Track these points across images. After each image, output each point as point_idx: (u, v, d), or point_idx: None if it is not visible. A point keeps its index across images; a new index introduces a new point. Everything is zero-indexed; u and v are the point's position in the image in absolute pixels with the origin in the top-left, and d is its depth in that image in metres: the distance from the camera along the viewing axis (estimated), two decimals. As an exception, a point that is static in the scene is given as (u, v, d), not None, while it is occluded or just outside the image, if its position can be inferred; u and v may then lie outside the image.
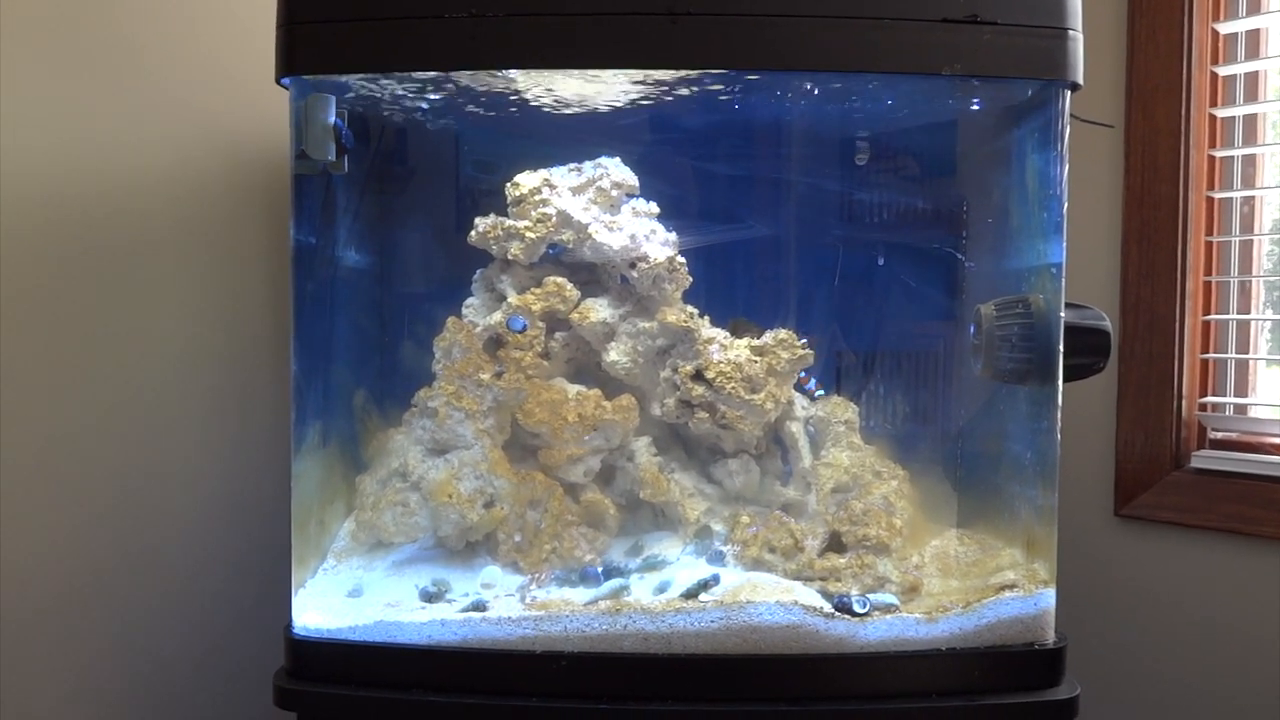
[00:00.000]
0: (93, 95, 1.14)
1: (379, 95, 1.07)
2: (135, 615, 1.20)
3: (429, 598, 1.00)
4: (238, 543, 1.27)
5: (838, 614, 0.96)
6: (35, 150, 1.10)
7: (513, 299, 1.14)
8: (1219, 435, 1.34)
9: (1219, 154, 1.33)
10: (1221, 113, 1.33)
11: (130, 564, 1.19)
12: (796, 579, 1.03)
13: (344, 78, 1.00)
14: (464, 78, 1.03)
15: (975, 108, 1.10)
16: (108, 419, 1.17)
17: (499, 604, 0.99)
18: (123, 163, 1.17)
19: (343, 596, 1.03)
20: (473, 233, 1.15)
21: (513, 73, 1.02)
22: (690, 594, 0.98)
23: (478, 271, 1.20)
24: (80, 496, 1.15)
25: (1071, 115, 0.99)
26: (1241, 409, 1.33)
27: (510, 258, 1.15)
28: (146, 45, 1.18)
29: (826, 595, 0.99)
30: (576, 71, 1.01)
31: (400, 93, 1.08)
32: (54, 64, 1.11)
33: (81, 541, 1.15)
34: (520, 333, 1.10)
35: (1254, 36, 1.32)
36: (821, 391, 1.18)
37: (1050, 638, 0.98)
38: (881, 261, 1.18)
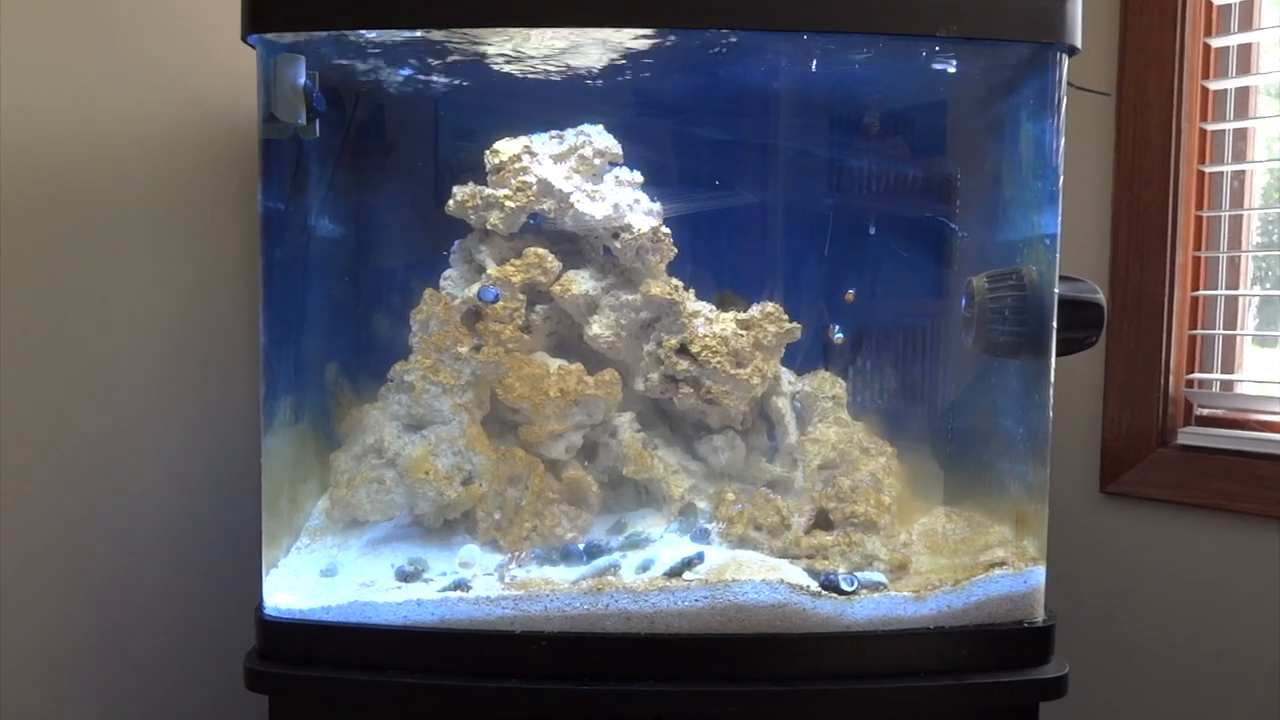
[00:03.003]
0: (55, 57, 1.09)
1: (351, 57, 1.03)
2: (102, 591, 1.16)
3: (405, 577, 0.98)
4: (210, 520, 1.24)
5: (825, 592, 0.94)
6: (-9, 112, 1.05)
7: (492, 270, 1.11)
8: (1206, 412, 1.33)
9: (1210, 127, 1.31)
10: (1214, 85, 1.31)
11: (97, 538, 1.15)
12: (783, 557, 1.01)
13: (314, 36, 0.95)
14: (439, 39, 0.99)
15: (969, 73, 1.07)
16: (73, 390, 1.13)
17: (478, 583, 0.96)
18: (89, 126, 1.12)
19: (316, 576, 1.00)
20: (451, 202, 1.12)
21: (487, 33, 0.98)
22: (674, 572, 0.95)
23: (456, 242, 1.16)
24: (46, 470, 1.11)
25: (1068, 83, 0.96)
26: (1228, 385, 1.32)
27: (489, 228, 1.11)
28: (111, 4, 1.13)
29: (813, 573, 0.97)
30: (551, 31, 0.97)
31: (373, 54, 1.03)
32: (13, 25, 1.06)
33: (44, 517, 1.11)
34: (492, 303, 1.07)
35: (1248, 7, 1.29)
36: (841, 334, 1.15)
37: (1040, 615, 0.97)
38: (872, 232, 1.15)
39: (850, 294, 1.15)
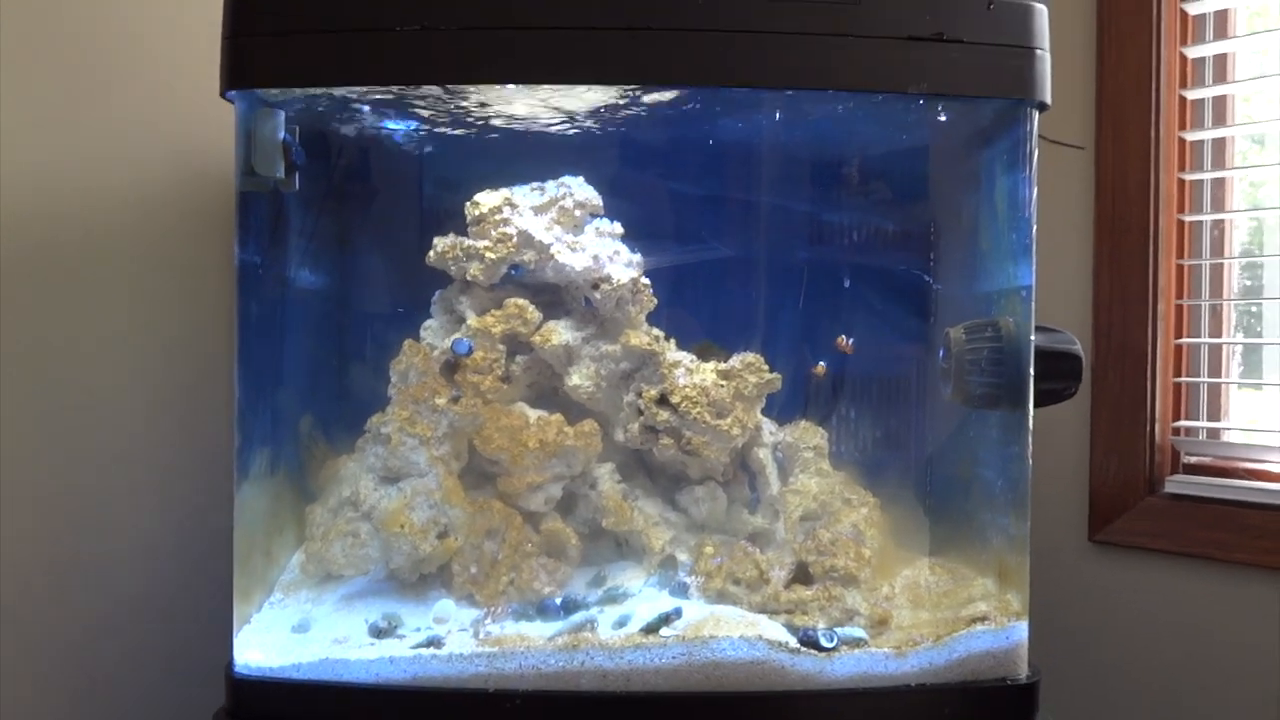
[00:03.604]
0: (36, 113, 1.10)
1: (330, 110, 1.04)
2: (74, 647, 1.14)
3: (378, 633, 0.96)
4: (185, 572, 1.22)
5: (803, 649, 0.92)
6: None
7: (472, 321, 1.11)
8: (1193, 459, 1.32)
9: (1189, 177, 1.32)
10: (1190, 136, 1.32)
11: (70, 590, 1.14)
12: (762, 612, 1.00)
13: (292, 92, 0.96)
14: (418, 94, 1.00)
15: (943, 128, 1.09)
16: (53, 438, 1.12)
17: (452, 640, 0.95)
18: (74, 177, 1.13)
19: (288, 632, 0.98)
20: (431, 253, 1.12)
21: (468, 88, 0.99)
22: (651, 628, 0.94)
23: (436, 293, 1.17)
24: (21, 516, 1.09)
25: (1040, 136, 0.97)
26: (1215, 433, 1.31)
27: (470, 278, 1.12)
28: (96, 61, 1.15)
29: (792, 629, 0.96)
30: (529, 87, 0.98)
31: (353, 108, 1.04)
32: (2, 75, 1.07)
33: (21, 565, 1.10)
34: (466, 355, 1.07)
35: (1220, 61, 1.31)
36: (851, 340, 1.14)
37: (1023, 672, 0.95)
38: (848, 284, 1.16)
39: (847, 343, 1.14)
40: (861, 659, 0.93)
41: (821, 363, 1.15)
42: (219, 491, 1.21)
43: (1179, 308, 1.33)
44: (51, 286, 1.12)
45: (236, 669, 0.94)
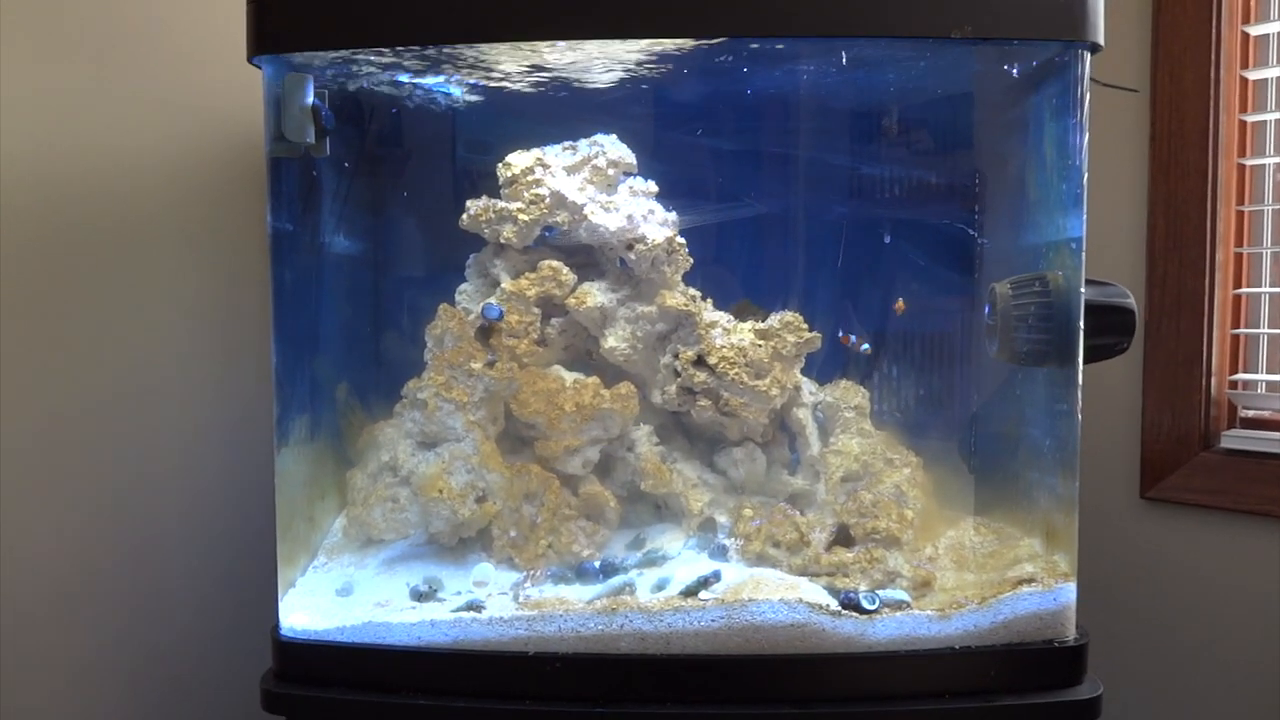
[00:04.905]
0: (72, 86, 1.11)
1: (360, 74, 1.03)
2: (130, 613, 1.17)
3: (420, 596, 0.97)
4: (235, 539, 1.25)
5: (845, 612, 0.91)
6: (16, 146, 1.06)
7: (506, 284, 1.10)
8: (1251, 414, 1.27)
9: (1250, 119, 1.26)
10: (1254, 75, 1.25)
11: (125, 560, 1.17)
12: (802, 575, 0.98)
13: (320, 56, 0.95)
14: (448, 53, 0.98)
15: (988, 74, 1.04)
16: (99, 415, 1.14)
17: (492, 603, 0.95)
18: (110, 153, 1.14)
19: (332, 595, 1.00)
20: (464, 216, 1.11)
21: (498, 46, 0.97)
22: (690, 591, 0.93)
23: (471, 256, 1.16)
24: (73, 492, 1.12)
25: (1092, 79, 0.93)
26: (1275, 386, 1.26)
27: (503, 241, 1.10)
28: (125, 32, 1.14)
29: (833, 592, 0.95)
30: (562, 44, 0.95)
31: (383, 71, 1.03)
32: (31, 56, 1.07)
33: (75, 538, 1.13)
34: (497, 320, 1.06)
35: (1289, -8, 1.24)
36: (867, 346, 1.12)
37: (1071, 634, 0.93)
38: (890, 240, 1.12)
39: (900, 304, 1.11)
40: (904, 621, 0.91)
41: (864, 345, 1.12)
42: (267, 461, 1.23)
43: (1238, 256, 1.28)
44: (89, 262, 1.13)
45: (282, 631, 0.96)
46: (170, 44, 1.18)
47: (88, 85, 1.12)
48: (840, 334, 1.12)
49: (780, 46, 0.97)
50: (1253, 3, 1.25)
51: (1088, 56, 0.91)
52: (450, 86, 1.11)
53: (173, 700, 1.22)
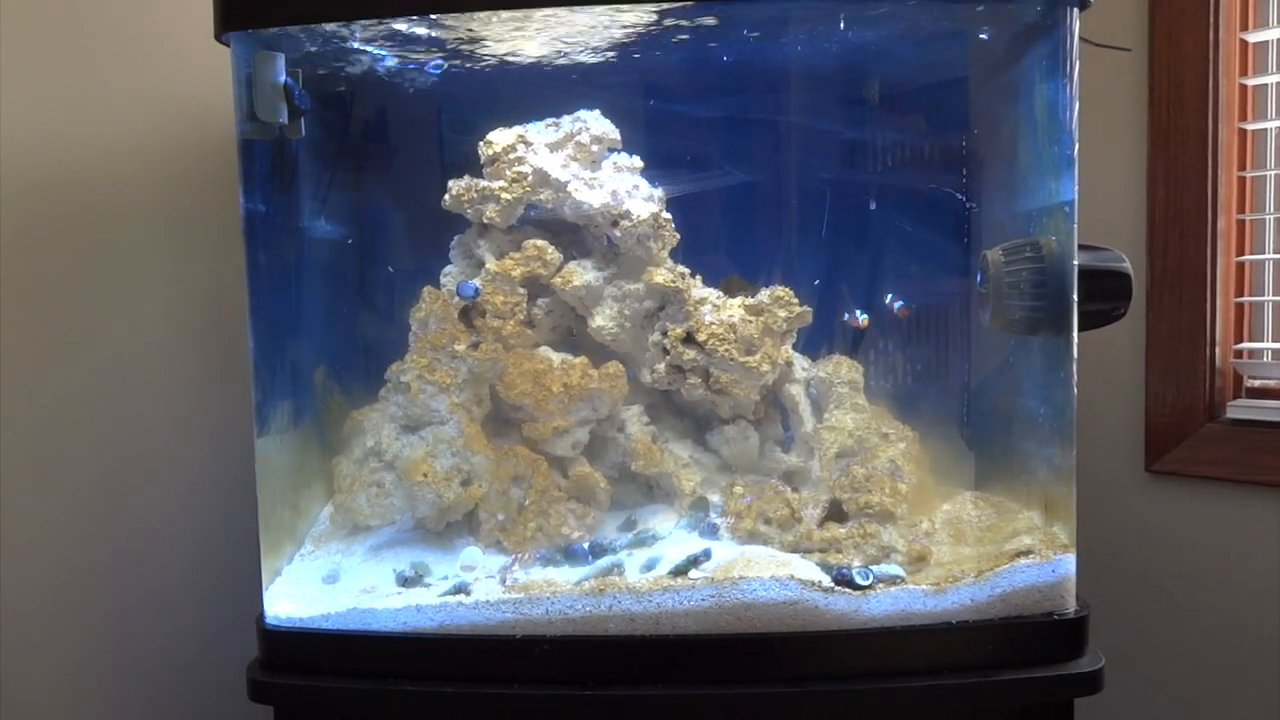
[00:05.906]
0: (44, 78, 1.09)
1: (333, 52, 1.01)
2: (122, 605, 1.16)
3: (405, 582, 0.95)
4: (224, 529, 1.23)
5: (838, 588, 0.89)
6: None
7: (491, 265, 1.08)
8: (1257, 383, 1.25)
9: (1252, 82, 1.23)
10: (1254, 37, 1.22)
11: (113, 553, 1.16)
12: (794, 551, 0.97)
13: (291, 33, 0.93)
14: (422, 27, 0.96)
15: (973, 33, 1.01)
16: (82, 406, 1.13)
17: (479, 587, 0.94)
18: (88, 143, 1.12)
19: (318, 583, 0.98)
20: (446, 196, 1.09)
21: (475, 17, 0.95)
22: (679, 571, 0.92)
23: (455, 237, 1.14)
24: (56, 483, 1.11)
25: (1082, 39, 0.90)
26: (1280, 354, 1.24)
27: (487, 221, 1.09)
28: (97, 20, 1.13)
29: (826, 568, 0.93)
30: (542, 13, 0.93)
31: (357, 48, 1.01)
32: (6, 49, 1.06)
33: (58, 531, 1.11)
34: (473, 298, 1.04)
35: (1288, -51, 1.21)
36: (865, 316, 1.10)
37: (1071, 606, 0.91)
38: (877, 207, 1.10)
39: (903, 307, 1.09)
40: (899, 596, 0.89)
41: (860, 315, 1.10)
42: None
43: (1241, 223, 1.25)
44: (67, 250, 1.12)
45: (267, 620, 0.94)
46: (143, 31, 1.16)
47: (61, 77, 1.10)
48: (846, 317, 1.10)
49: (765, 6, 0.94)
50: (1251, -39, 1.22)
51: (1076, 13, 0.89)
52: (426, 63, 1.09)
53: (167, 694, 1.21)
